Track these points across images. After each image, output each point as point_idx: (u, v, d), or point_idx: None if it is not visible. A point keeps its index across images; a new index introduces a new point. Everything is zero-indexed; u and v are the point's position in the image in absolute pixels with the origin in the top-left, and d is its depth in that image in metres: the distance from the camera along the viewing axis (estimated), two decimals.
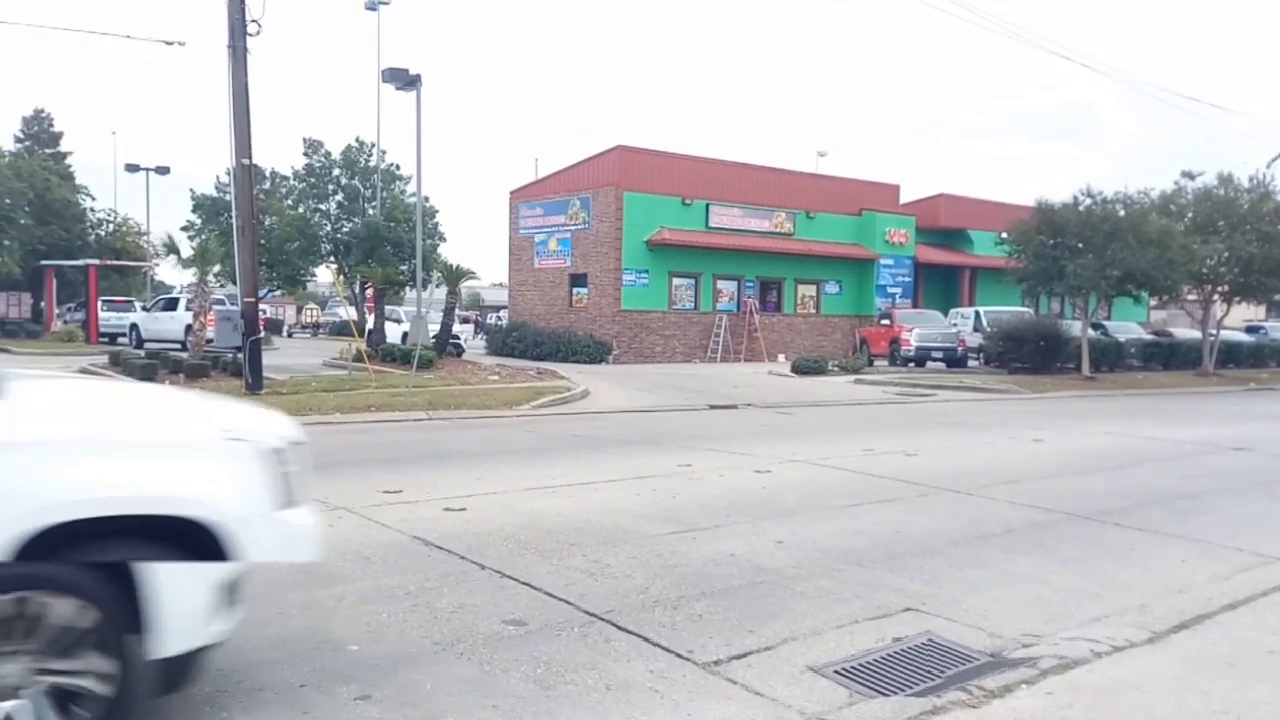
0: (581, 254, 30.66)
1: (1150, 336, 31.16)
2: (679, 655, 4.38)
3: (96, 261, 36.75)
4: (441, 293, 27.45)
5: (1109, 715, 3.87)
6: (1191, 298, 29.04)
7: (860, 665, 4.32)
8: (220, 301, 29.84)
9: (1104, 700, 3.99)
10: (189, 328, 24.83)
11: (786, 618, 4.94)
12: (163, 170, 45.47)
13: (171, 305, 32.06)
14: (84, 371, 16.86)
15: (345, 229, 29.50)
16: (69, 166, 46.79)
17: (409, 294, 32.09)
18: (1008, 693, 4.03)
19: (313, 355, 27.61)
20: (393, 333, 28.99)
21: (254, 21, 15.13)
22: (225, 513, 3.29)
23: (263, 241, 26.14)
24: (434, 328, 25.44)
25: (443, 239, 32.17)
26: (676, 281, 31.04)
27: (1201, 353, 27.78)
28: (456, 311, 28.46)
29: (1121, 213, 23.85)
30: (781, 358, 30.69)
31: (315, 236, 29.63)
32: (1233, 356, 30.14)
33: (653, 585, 5.47)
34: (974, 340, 27.92)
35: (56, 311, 38.15)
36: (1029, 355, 25.28)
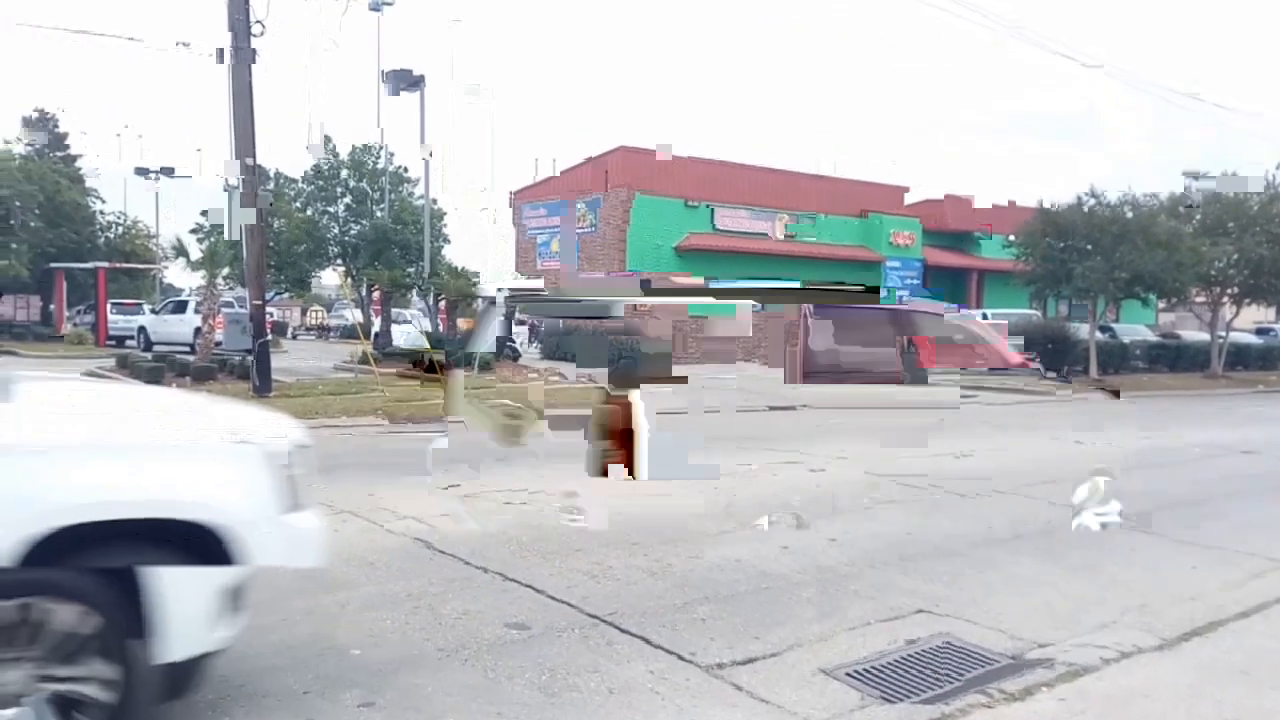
0: (588, 257, 30.65)
1: (1156, 339, 30.98)
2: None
3: (106, 264, 36.78)
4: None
5: None
6: (1200, 300, 28.89)
7: (882, 665, 4.31)
8: (229, 304, 29.84)
9: (1114, 708, 3.95)
10: (198, 330, 24.79)
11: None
12: (168, 171, 45.61)
13: (180, 308, 32.00)
14: (90, 375, 16.87)
15: (353, 231, 29.56)
16: (78, 169, 46.94)
17: (414, 297, 32.11)
18: (1029, 696, 4.01)
19: (321, 358, 27.59)
20: (398, 335, 29.02)
21: (258, 22, 15.13)
22: (231, 516, 3.26)
23: (271, 244, 26.18)
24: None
25: (447, 241, 32.22)
26: None
27: (1210, 355, 27.65)
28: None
29: (1129, 215, 23.74)
30: None
31: (323, 239, 29.69)
32: (1242, 359, 29.92)
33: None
34: None
35: (66, 314, 38.19)
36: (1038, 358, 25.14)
